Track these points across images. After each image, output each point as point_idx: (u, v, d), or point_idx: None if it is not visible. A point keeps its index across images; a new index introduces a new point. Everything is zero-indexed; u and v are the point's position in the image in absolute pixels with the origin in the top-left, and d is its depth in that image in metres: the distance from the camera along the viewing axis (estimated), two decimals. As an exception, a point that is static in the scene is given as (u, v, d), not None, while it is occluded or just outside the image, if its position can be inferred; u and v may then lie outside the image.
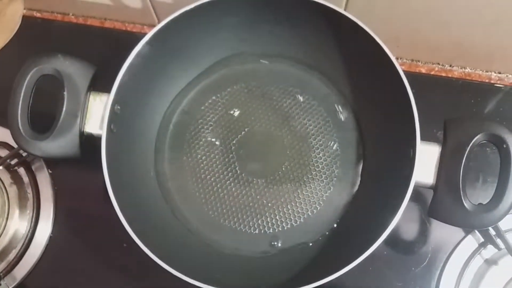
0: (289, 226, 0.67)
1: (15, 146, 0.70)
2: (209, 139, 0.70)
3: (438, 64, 0.80)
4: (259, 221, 0.67)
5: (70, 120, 0.59)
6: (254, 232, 0.66)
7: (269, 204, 0.67)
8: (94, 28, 0.86)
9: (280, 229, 0.66)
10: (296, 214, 0.67)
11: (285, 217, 0.67)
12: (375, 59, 0.60)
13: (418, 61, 0.81)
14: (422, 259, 0.70)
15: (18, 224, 0.72)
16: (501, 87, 0.77)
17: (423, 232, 0.71)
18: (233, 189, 0.68)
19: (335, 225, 0.66)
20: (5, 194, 0.72)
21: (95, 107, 0.60)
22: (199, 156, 0.70)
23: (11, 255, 0.71)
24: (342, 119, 0.70)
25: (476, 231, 0.69)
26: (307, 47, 0.70)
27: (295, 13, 0.66)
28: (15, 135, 0.59)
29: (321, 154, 0.69)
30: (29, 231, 0.71)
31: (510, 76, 0.79)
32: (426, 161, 0.57)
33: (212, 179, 0.69)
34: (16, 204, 0.72)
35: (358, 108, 0.70)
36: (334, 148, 0.69)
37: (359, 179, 0.68)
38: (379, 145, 0.66)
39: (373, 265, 0.69)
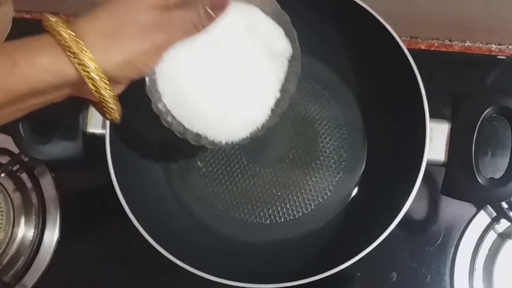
0: (300, 214, 0.66)
1: (16, 151, 0.70)
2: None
3: (438, 39, 0.79)
4: (270, 211, 0.66)
5: (72, 121, 0.58)
6: (266, 223, 0.66)
7: (279, 193, 0.67)
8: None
9: (291, 217, 0.66)
10: (306, 202, 0.66)
11: (296, 205, 0.66)
12: (377, 38, 0.60)
13: (417, 37, 0.80)
14: (435, 238, 0.69)
15: (25, 231, 0.71)
16: (503, 58, 0.77)
17: (435, 210, 0.70)
18: (241, 180, 0.67)
19: (346, 210, 0.66)
20: (9, 201, 0.70)
21: (96, 106, 0.59)
22: (204, 149, 0.68)
23: (20, 263, 0.70)
24: (347, 102, 0.69)
25: (488, 206, 0.69)
26: (307, 30, 0.68)
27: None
28: (17, 140, 0.58)
29: (327, 139, 0.68)
30: (36, 237, 0.70)
31: (511, 47, 0.78)
32: (436, 138, 0.56)
33: (219, 172, 0.68)
34: (21, 211, 0.71)
35: (363, 90, 0.69)
36: (340, 132, 0.68)
37: (368, 161, 0.67)
38: (387, 126, 0.65)
39: (387, 247, 0.68)
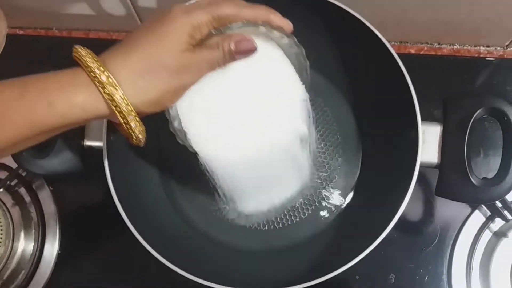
0: (298, 219, 0.66)
1: (13, 166, 0.70)
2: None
3: (427, 43, 0.81)
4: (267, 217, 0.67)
5: (70, 135, 0.58)
6: (264, 229, 0.66)
7: (276, 199, 0.67)
8: (79, 40, 0.85)
9: (289, 223, 0.66)
10: (303, 207, 0.67)
11: (293, 211, 0.67)
12: (367, 44, 0.60)
13: (407, 42, 0.81)
14: (431, 238, 0.70)
15: (25, 245, 0.71)
16: (492, 60, 0.78)
17: (430, 211, 0.71)
18: (238, 187, 0.68)
19: (343, 214, 0.67)
20: (8, 216, 0.71)
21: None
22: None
23: (21, 277, 0.70)
24: (340, 108, 0.70)
25: (483, 206, 0.70)
26: (297, 39, 0.69)
27: (281, 3, 0.66)
28: (16, 155, 0.58)
29: (322, 145, 0.69)
30: (36, 250, 0.71)
31: (499, 48, 0.79)
32: (429, 141, 0.57)
33: (216, 179, 0.68)
34: (20, 225, 0.71)
35: (355, 95, 0.70)
36: (335, 137, 0.69)
37: (362, 165, 0.68)
38: (380, 130, 0.66)
39: (384, 249, 0.69)
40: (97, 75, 0.39)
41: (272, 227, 0.66)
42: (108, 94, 0.39)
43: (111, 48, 0.42)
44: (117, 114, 0.41)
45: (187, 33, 0.42)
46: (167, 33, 0.41)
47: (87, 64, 0.39)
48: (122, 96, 0.40)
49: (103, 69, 0.39)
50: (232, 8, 0.44)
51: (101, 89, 0.39)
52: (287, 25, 0.48)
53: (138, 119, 0.42)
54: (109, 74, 0.39)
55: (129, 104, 0.41)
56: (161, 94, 0.42)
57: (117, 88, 0.39)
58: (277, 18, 0.47)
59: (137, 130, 0.43)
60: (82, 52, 0.40)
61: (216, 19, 0.43)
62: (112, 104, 0.40)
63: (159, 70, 0.41)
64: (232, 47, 0.43)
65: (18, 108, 0.38)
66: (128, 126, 0.42)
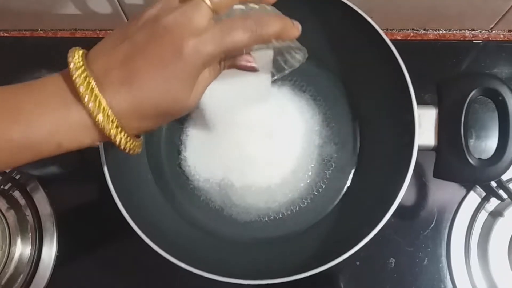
0: (297, 208, 0.67)
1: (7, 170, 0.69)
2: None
3: (413, 29, 0.81)
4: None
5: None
6: (264, 220, 0.66)
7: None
8: (66, 39, 0.84)
9: (289, 212, 0.66)
10: (303, 196, 0.67)
11: (292, 201, 0.67)
12: (358, 31, 0.61)
13: (393, 29, 0.81)
14: (429, 221, 0.71)
15: (22, 249, 0.70)
16: (478, 42, 0.79)
17: (426, 195, 0.72)
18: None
19: (342, 202, 0.67)
20: (3, 220, 0.70)
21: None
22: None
23: (19, 281, 0.69)
24: (333, 96, 0.70)
25: (477, 186, 0.71)
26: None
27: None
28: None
29: (318, 133, 0.68)
30: (34, 254, 0.70)
31: (483, 31, 0.80)
32: (425, 124, 0.57)
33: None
34: (16, 229, 0.71)
35: (348, 83, 0.70)
36: (330, 125, 0.69)
37: (360, 152, 0.68)
38: (375, 116, 0.66)
39: (383, 234, 0.69)
40: (107, 130, 0.39)
41: (272, 217, 0.66)
42: (113, 138, 0.40)
43: (112, 72, 0.39)
44: (117, 144, 0.41)
45: (198, 76, 0.40)
46: (178, 81, 0.39)
47: (94, 115, 0.38)
48: (126, 140, 0.40)
49: (112, 122, 0.39)
50: (243, 35, 0.40)
51: (107, 137, 0.40)
52: (297, 32, 0.47)
53: (134, 142, 0.42)
54: (118, 125, 0.39)
55: (132, 143, 0.41)
56: (160, 124, 0.44)
57: (121, 134, 0.40)
58: (288, 33, 0.45)
59: (135, 151, 0.43)
60: (83, 92, 0.38)
61: (226, 52, 0.40)
62: (115, 143, 0.40)
63: (163, 118, 0.42)
64: (235, 63, 0.44)
65: (26, 149, 0.39)
66: (123, 148, 0.42)
